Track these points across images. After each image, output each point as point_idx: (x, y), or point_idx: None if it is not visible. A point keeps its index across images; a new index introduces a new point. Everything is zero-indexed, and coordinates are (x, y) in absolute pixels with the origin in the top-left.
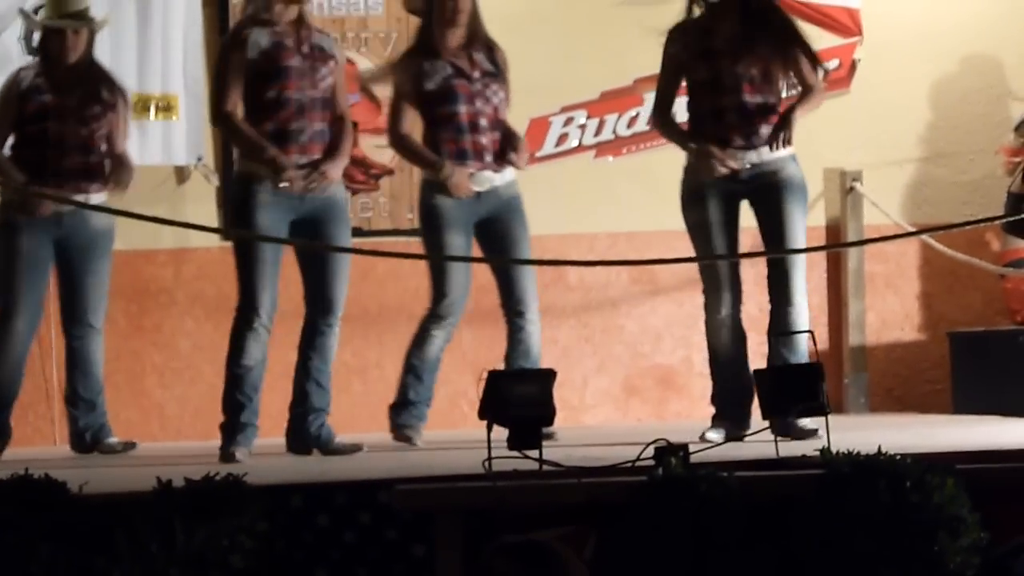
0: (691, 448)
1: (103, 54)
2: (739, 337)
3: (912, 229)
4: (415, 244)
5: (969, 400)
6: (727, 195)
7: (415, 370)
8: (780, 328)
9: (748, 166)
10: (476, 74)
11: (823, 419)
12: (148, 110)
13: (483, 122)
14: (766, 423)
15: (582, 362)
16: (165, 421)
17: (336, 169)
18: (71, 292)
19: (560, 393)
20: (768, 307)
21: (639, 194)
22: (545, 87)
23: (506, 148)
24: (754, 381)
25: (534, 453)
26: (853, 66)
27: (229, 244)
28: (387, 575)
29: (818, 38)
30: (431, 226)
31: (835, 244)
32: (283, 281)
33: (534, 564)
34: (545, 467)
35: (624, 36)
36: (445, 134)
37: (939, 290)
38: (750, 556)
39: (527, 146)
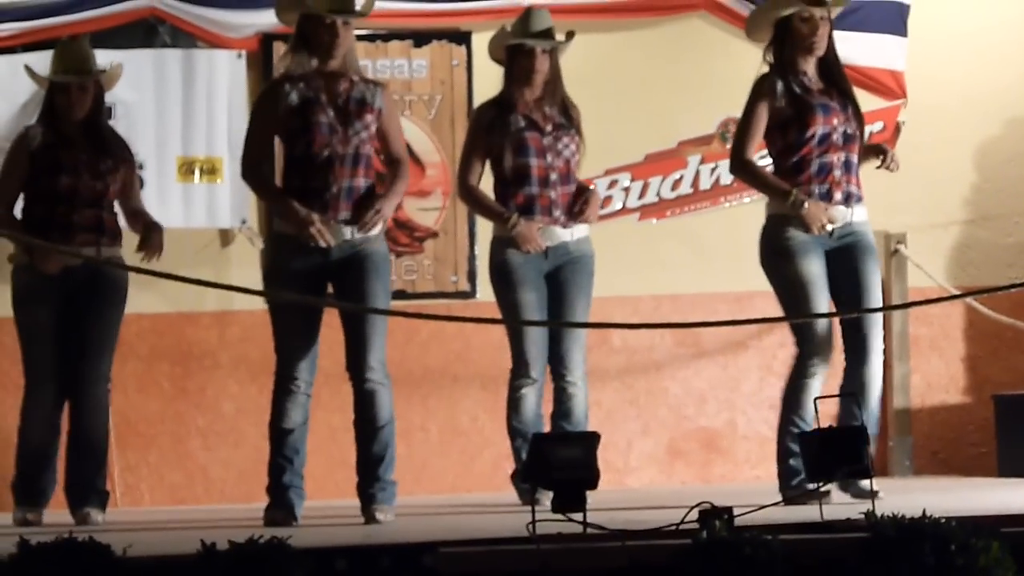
0: (735, 511)
1: (147, 118)
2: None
3: (957, 292)
4: (458, 307)
5: (1014, 463)
6: (819, 251)
7: (518, 433)
8: (856, 388)
9: (842, 224)
10: (548, 127)
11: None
12: (193, 173)
13: (553, 176)
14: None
15: (626, 424)
16: (209, 484)
17: (389, 206)
18: (78, 343)
19: (604, 455)
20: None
21: (683, 256)
22: (589, 149)
23: (577, 203)
24: (799, 444)
25: (578, 516)
26: (897, 129)
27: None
28: None
29: (863, 101)
30: (501, 284)
31: (879, 307)
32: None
33: None
34: (589, 530)
35: (668, 98)
36: (515, 187)
37: (984, 353)
38: None
39: (599, 199)
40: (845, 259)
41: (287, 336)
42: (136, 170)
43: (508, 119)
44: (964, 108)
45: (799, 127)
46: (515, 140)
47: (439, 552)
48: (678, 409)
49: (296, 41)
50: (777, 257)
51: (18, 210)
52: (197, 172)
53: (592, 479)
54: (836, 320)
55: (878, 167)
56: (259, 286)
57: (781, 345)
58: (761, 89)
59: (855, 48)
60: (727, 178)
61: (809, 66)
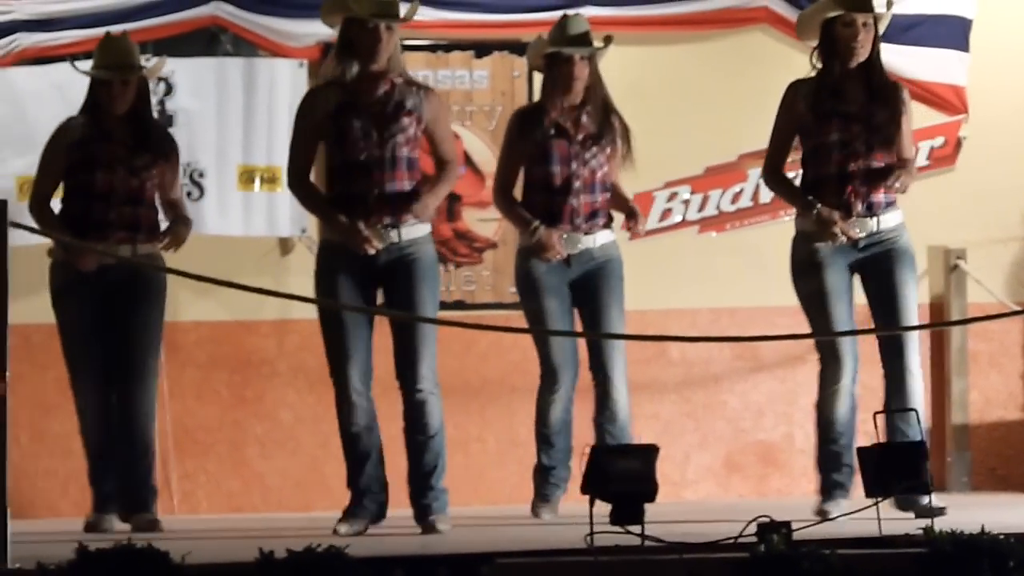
0: (794, 525)
1: (209, 126)
2: (853, 408)
3: (1016, 308)
4: (517, 318)
5: None
6: (843, 263)
7: (542, 437)
8: (897, 401)
9: (867, 234)
10: (579, 136)
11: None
12: (253, 182)
13: (577, 184)
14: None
15: (683, 437)
16: (266, 492)
17: (422, 207)
18: (119, 343)
19: (661, 468)
20: (871, 385)
21: (742, 270)
22: (649, 162)
23: (612, 213)
24: (858, 459)
25: (636, 528)
26: (958, 144)
27: None
28: None
29: (924, 115)
30: (525, 292)
31: (938, 323)
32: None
33: None
34: (647, 543)
35: (729, 111)
36: (538, 195)
37: None
38: None
39: (639, 214)
40: (874, 269)
41: (335, 338)
42: (177, 164)
43: (538, 127)
44: None
45: (817, 135)
46: (540, 147)
47: (496, 563)
48: (736, 422)
49: (340, 45)
50: (796, 272)
51: (57, 204)
52: (257, 181)
53: (650, 492)
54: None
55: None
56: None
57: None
58: (785, 97)
59: (917, 63)
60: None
61: (849, 72)
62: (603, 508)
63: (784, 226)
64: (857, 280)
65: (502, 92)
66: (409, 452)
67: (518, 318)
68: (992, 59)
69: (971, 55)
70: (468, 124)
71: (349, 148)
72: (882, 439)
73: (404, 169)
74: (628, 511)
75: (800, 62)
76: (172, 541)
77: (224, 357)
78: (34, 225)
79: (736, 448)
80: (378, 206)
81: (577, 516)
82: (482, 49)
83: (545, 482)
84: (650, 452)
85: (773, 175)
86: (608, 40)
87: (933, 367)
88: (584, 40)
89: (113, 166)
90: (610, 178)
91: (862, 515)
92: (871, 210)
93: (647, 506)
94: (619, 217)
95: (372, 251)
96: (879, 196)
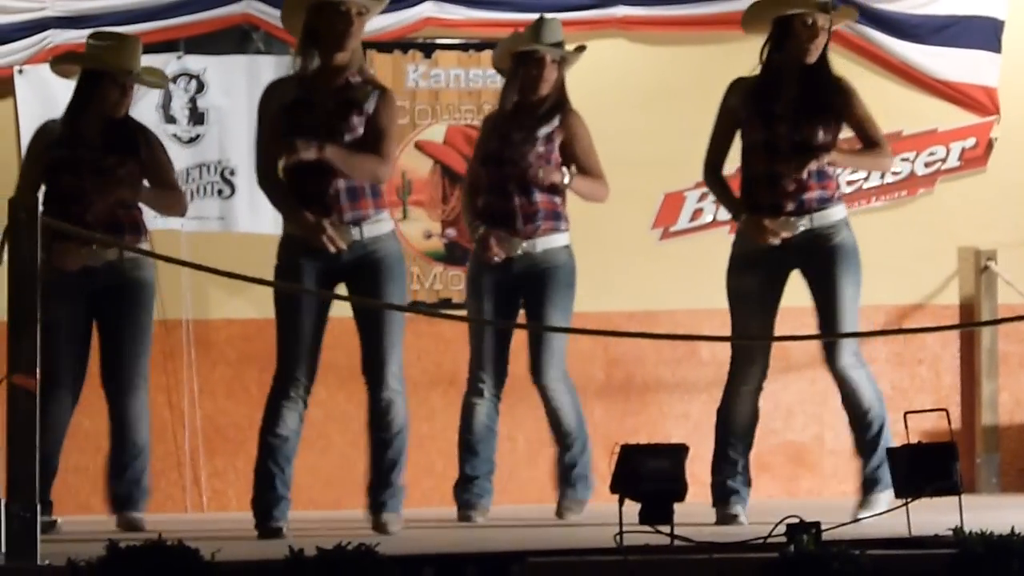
0: (823, 525)
1: (240, 123)
2: (755, 413)
3: None
4: None
5: None
6: (775, 265)
7: (466, 444)
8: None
9: (799, 231)
10: (517, 138)
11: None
12: None
13: (511, 186)
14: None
15: (712, 437)
16: (296, 490)
17: (335, 153)
18: (108, 347)
19: (691, 468)
20: (901, 386)
21: None
22: (680, 162)
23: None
24: (888, 459)
25: (665, 528)
26: (990, 145)
27: None
28: None
29: (955, 117)
30: (468, 292)
31: (967, 323)
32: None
33: None
34: (676, 542)
35: None
36: (483, 197)
37: None
38: None
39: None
40: (813, 267)
41: (290, 338)
42: (158, 151)
43: (492, 129)
44: None
45: (748, 133)
46: (482, 149)
47: (527, 562)
48: (765, 423)
49: (305, 33)
50: (729, 273)
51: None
52: None
53: (680, 491)
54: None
55: None
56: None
57: (869, 360)
58: (725, 95)
59: (948, 64)
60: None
61: (791, 71)
62: (633, 508)
63: None
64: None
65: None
66: (372, 448)
67: None
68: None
69: (1003, 56)
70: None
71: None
72: (911, 440)
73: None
74: (658, 511)
75: (835, 64)
76: (202, 539)
77: (255, 355)
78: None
79: (766, 448)
80: (336, 203)
81: (607, 516)
82: None
83: (469, 492)
84: (680, 452)
85: (711, 174)
86: (581, 49)
87: (963, 368)
88: (559, 45)
89: (79, 170)
90: (550, 179)
91: (892, 515)
92: (802, 207)
93: (676, 506)
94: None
95: (333, 249)
96: (813, 194)
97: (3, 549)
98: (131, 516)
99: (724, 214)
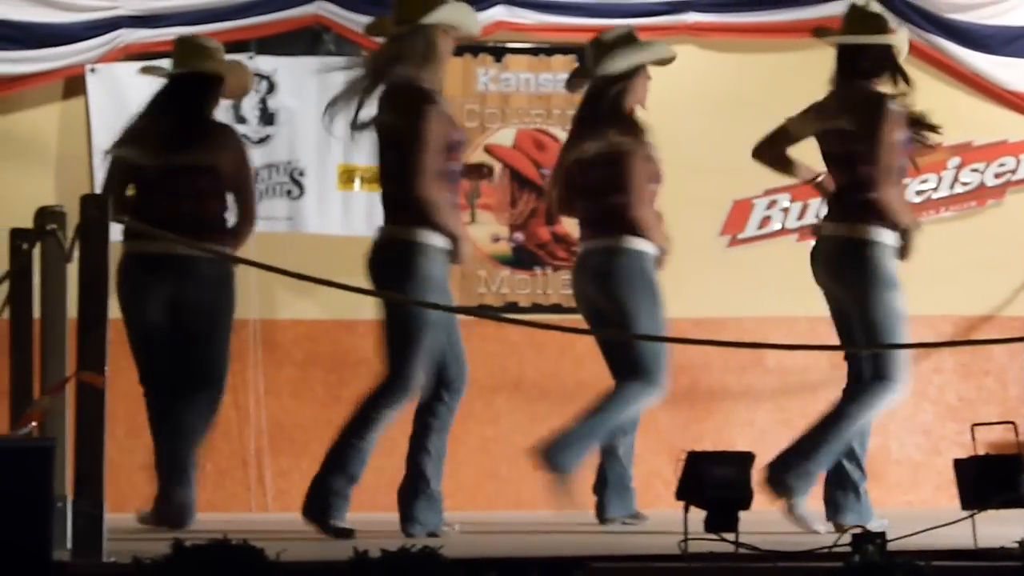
0: (888, 536)
1: (310, 125)
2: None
3: None
4: None
5: None
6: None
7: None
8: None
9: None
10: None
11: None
12: (353, 181)
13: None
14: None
15: (779, 445)
16: (360, 492)
17: None
18: (184, 350)
19: (757, 476)
20: (968, 397)
21: None
22: (749, 169)
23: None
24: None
25: (730, 536)
26: None
27: None
28: None
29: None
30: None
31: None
32: None
33: None
34: (741, 550)
35: None
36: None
37: None
38: None
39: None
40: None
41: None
42: (237, 159)
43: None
44: None
45: None
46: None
47: (590, 567)
48: None
49: None
50: None
51: None
52: (358, 181)
53: (746, 499)
54: None
55: None
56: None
57: (936, 370)
58: None
59: (1020, 75)
60: None
61: None
62: (698, 515)
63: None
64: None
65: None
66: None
67: None
68: None
69: None
70: (568, 128)
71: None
72: (978, 452)
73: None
74: (723, 518)
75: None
76: (267, 539)
77: (321, 356)
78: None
79: None
80: None
81: (672, 523)
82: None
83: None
84: (746, 459)
85: None
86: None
87: None
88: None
89: (174, 170)
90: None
91: (958, 527)
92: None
93: (742, 514)
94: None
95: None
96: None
97: (69, 546)
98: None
99: (793, 222)
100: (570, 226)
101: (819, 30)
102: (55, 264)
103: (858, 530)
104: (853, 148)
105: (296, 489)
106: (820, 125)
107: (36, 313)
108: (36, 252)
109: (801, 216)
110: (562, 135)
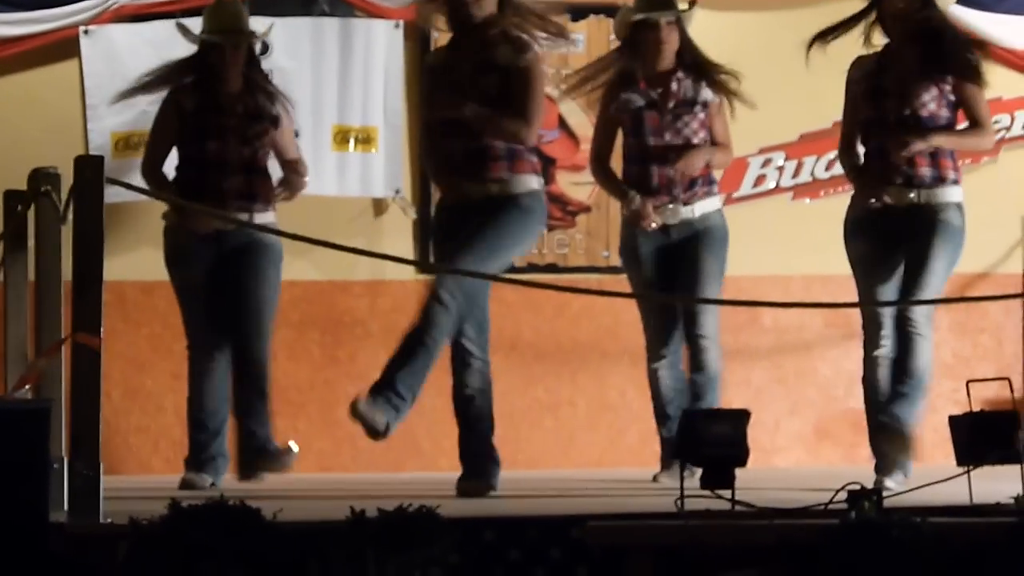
0: (884, 492)
1: (304, 86)
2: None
3: None
4: (609, 281)
5: None
6: (881, 232)
7: (660, 411)
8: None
9: (907, 202)
10: (670, 104)
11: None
12: (347, 142)
13: (672, 155)
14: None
15: (774, 404)
16: (357, 452)
17: (474, 112)
18: (237, 301)
19: (752, 434)
20: (963, 354)
21: (836, 237)
22: (743, 128)
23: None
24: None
25: (726, 493)
26: None
27: (425, 277)
28: None
29: (1020, 84)
30: (626, 263)
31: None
32: None
33: None
34: (737, 507)
35: (823, 78)
36: (633, 166)
37: None
38: None
39: (702, 154)
40: (911, 239)
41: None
42: (291, 124)
43: (630, 96)
44: None
45: (862, 110)
46: (634, 118)
47: (587, 524)
48: (827, 390)
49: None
50: (845, 237)
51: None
52: (352, 141)
53: (741, 457)
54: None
55: None
56: (411, 255)
57: (934, 328)
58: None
59: (1014, 31)
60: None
61: (904, 44)
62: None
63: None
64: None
65: (598, 56)
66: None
67: (612, 282)
68: None
69: None
70: (563, 87)
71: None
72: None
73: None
74: (719, 476)
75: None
76: (263, 499)
77: (317, 317)
78: (142, 184)
79: (827, 416)
80: (471, 165)
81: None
82: (578, 13)
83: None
84: (741, 417)
85: (841, 155)
86: (692, 3)
87: None
88: (669, 4)
89: (225, 136)
90: (707, 142)
91: (954, 483)
92: (911, 182)
93: (738, 472)
94: None
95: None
96: (921, 168)
97: (66, 507)
98: (275, 464)
99: (787, 180)
100: (565, 186)
101: None
102: (50, 226)
103: (855, 487)
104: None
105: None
106: None
107: (31, 275)
108: (31, 214)
109: (796, 174)
110: (557, 95)
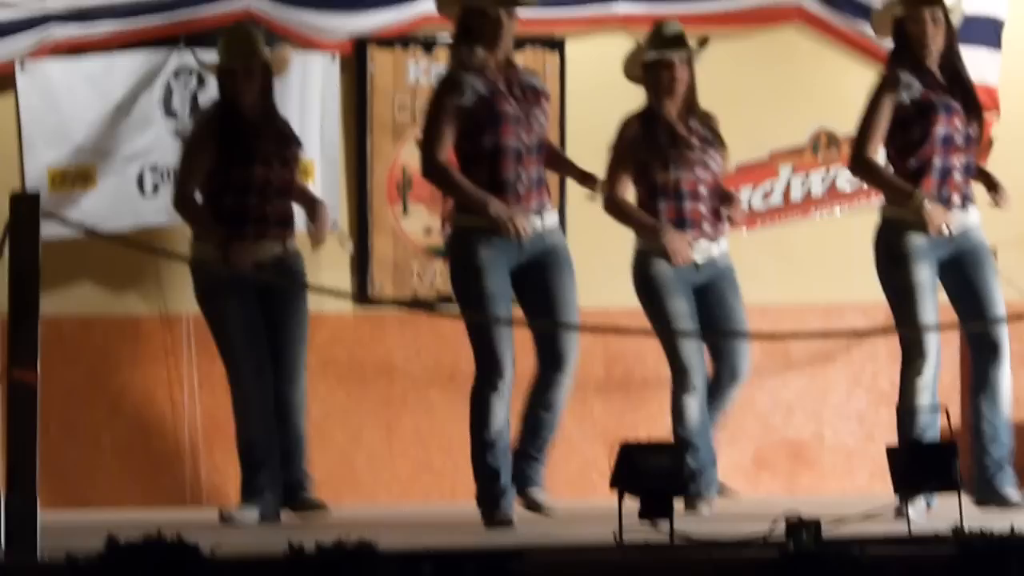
0: (823, 523)
1: None
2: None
3: None
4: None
5: None
6: (933, 257)
7: (683, 440)
8: (986, 391)
9: (960, 229)
10: (695, 141)
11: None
12: None
13: (702, 189)
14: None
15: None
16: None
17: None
18: (274, 338)
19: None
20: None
21: (772, 267)
22: None
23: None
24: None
25: (665, 525)
26: (990, 143)
27: (363, 310)
28: None
29: None
30: (654, 294)
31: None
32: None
33: None
34: (676, 540)
35: (761, 109)
36: (665, 202)
37: None
38: None
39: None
40: (964, 264)
41: (490, 327)
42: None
43: (655, 134)
44: None
45: (922, 126)
46: (661, 154)
47: (525, 559)
48: (765, 419)
49: (461, 33)
50: (892, 262)
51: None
52: None
53: (680, 488)
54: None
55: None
56: (348, 288)
57: (870, 358)
58: (886, 82)
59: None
60: (818, 189)
61: (932, 64)
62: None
63: (815, 224)
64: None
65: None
66: (530, 425)
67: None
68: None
69: (1003, 55)
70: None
71: (504, 134)
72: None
73: (540, 152)
74: (657, 507)
75: (832, 60)
76: (201, 533)
77: None
78: (77, 219)
79: (765, 445)
80: (528, 193)
81: (606, 513)
82: (514, 43)
83: (696, 486)
84: (679, 449)
85: (867, 161)
86: (704, 41)
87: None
88: (681, 42)
89: (269, 160)
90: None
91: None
92: (964, 204)
93: (676, 502)
94: None
95: (524, 236)
96: (970, 191)
97: (2, 544)
98: (312, 500)
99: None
100: None
101: None
102: None
103: (794, 519)
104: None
105: (231, 484)
106: None
107: None
108: None
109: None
110: None
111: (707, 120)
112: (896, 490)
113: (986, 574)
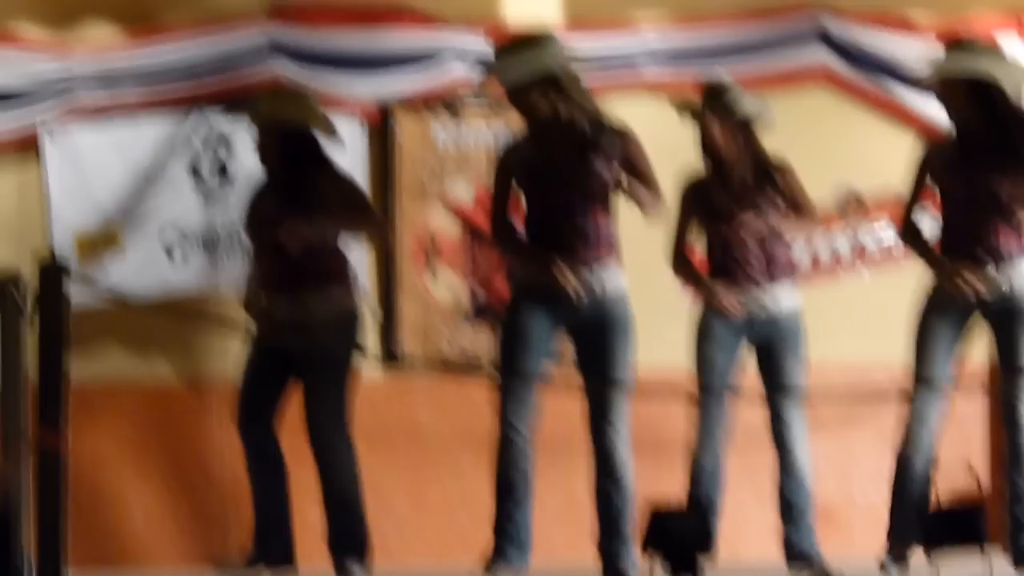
0: None
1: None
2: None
3: None
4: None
5: None
6: (963, 319)
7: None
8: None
9: (996, 293)
10: (751, 198)
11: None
12: None
13: (758, 243)
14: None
15: (740, 494)
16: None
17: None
18: (311, 394)
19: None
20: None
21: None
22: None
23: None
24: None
25: None
26: None
27: (392, 375)
28: None
29: None
30: (696, 343)
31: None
32: None
33: None
34: None
35: None
36: (719, 252)
37: None
38: None
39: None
40: (997, 327)
41: (506, 382)
42: None
43: (707, 192)
44: None
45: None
46: (714, 214)
47: None
48: None
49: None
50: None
51: None
52: None
53: (708, 549)
54: None
55: None
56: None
57: (900, 419)
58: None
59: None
60: (844, 251)
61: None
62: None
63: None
64: None
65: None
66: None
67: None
68: None
69: None
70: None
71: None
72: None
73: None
74: (686, 568)
75: (858, 121)
76: None
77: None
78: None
79: None
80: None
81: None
82: None
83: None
84: (707, 509)
85: (911, 228)
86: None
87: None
88: (722, 105)
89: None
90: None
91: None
92: (1001, 267)
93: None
94: None
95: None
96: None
97: None
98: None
99: None
100: None
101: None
102: (14, 329)
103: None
104: None
105: None
106: None
107: None
108: None
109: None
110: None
111: (771, 173)
112: (925, 550)
113: None
